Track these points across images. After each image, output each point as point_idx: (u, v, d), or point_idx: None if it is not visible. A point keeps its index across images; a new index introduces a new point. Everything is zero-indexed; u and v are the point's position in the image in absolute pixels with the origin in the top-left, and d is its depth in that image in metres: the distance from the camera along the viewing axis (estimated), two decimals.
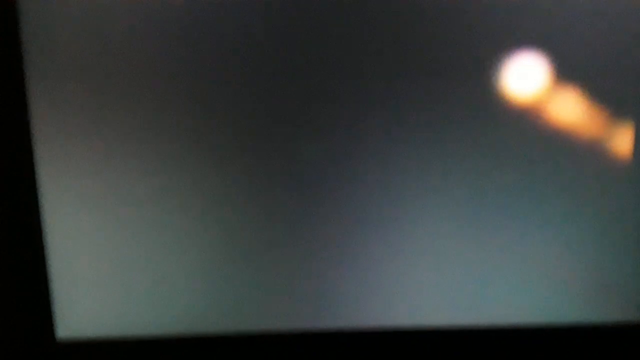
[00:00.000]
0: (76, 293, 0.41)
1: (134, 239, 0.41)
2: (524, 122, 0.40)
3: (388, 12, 0.38)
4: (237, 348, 0.43)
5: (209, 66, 0.39)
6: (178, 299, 0.42)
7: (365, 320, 0.43)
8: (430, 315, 0.43)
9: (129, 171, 0.40)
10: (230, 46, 0.38)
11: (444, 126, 0.40)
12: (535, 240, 0.42)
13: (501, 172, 0.41)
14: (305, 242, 0.41)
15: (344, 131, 0.40)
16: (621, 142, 0.41)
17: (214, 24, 0.38)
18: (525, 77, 0.39)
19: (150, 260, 0.41)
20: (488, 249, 0.42)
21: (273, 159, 0.40)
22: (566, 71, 0.40)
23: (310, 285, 0.42)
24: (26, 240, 0.40)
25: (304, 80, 0.39)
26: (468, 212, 0.41)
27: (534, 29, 0.39)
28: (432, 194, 0.41)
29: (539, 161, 0.41)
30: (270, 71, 0.39)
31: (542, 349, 0.43)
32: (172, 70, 0.39)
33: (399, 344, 0.43)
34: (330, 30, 0.38)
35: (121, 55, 0.38)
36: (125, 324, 0.42)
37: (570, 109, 0.40)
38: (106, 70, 0.38)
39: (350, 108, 0.40)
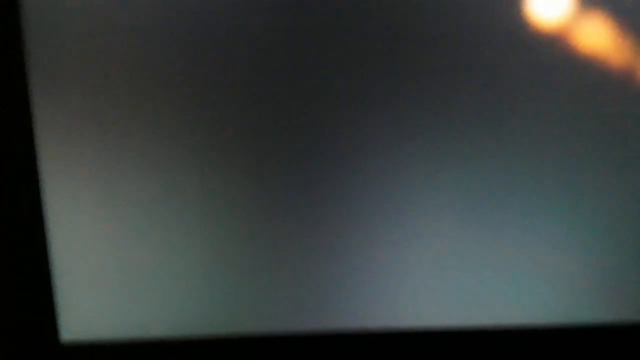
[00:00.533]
0: (80, 295, 0.41)
1: (138, 241, 0.41)
2: (529, 122, 0.40)
3: (392, 11, 0.38)
4: (243, 350, 0.43)
5: (214, 67, 0.39)
6: (182, 301, 0.42)
7: (368, 322, 0.43)
8: (434, 316, 0.43)
9: (133, 173, 0.40)
10: (235, 49, 0.38)
11: (446, 127, 0.40)
12: (539, 240, 0.42)
13: (504, 172, 0.41)
14: (308, 245, 0.41)
15: (348, 133, 0.40)
16: (625, 139, 0.40)
17: (220, 26, 0.38)
18: (528, 75, 0.39)
19: (154, 262, 0.41)
20: (491, 250, 0.42)
21: (276, 162, 0.40)
22: (569, 71, 0.39)
23: (313, 287, 0.42)
24: (30, 242, 0.40)
25: (307, 80, 0.39)
26: (471, 212, 0.41)
27: (538, 28, 0.39)
28: (436, 195, 0.41)
29: (542, 160, 0.41)
30: (275, 72, 0.39)
31: (547, 350, 0.43)
32: (177, 71, 0.39)
33: (404, 346, 0.43)
34: (334, 31, 0.38)
35: (125, 56, 0.38)
36: (129, 327, 0.42)
37: (573, 110, 0.40)
38: (109, 70, 0.38)
39: (353, 109, 0.40)
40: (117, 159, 0.40)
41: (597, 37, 0.39)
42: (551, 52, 0.39)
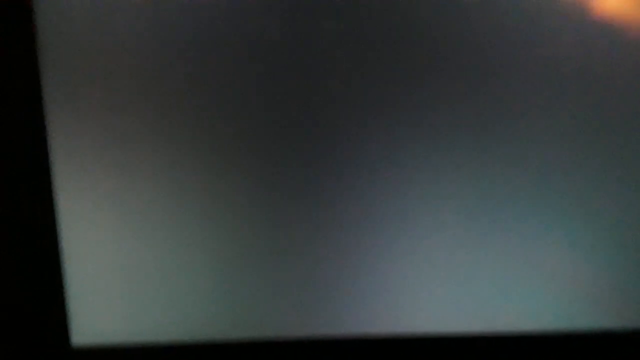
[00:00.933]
0: (91, 300, 0.42)
1: (149, 246, 0.41)
2: (532, 126, 0.40)
3: (395, 16, 0.38)
4: (253, 354, 0.43)
5: (224, 71, 0.39)
6: (192, 306, 0.42)
7: (370, 328, 0.43)
8: (435, 322, 0.43)
9: (145, 180, 0.40)
10: (240, 51, 0.39)
11: (448, 136, 0.40)
12: (541, 246, 0.42)
13: (507, 178, 0.41)
14: (312, 251, 0.42)
15: (351, 139, 0.40)
16: (629, 143, 0.41)
17: (232, 32, 0.38)
18: (531, 78, 0.40)
19: (165, 267, 0.41)
20: (492, 257, 0.42)
21: (282, 170, 0.40)
22: (570, 74, 0.40)
23: (317, 292, 0.42)
24: (41, 246, 0.41)
25: (310, 87, 0.39)
26: (473, 219, 0.41)
27: (543, 33, 0.39)
28: (438, 199, 0.41)
29: (545, 166, 0.41)
30: (279, 79, 0.39)
31: (549, 356, 0.43)
32: (188, 76, 0.39)
33: (406, 351, 0.43)
34: (338, 34, 0.38)
35: (137, 58, 0.38)
36: (140, 331, 0.42)
37: (575, 112, 0.40)
38: (122, 73, 0.39)
39: (356, 117, 0.40)
40: (130, 164, 0.40)
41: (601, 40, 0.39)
42: (555, 58, 0.39)
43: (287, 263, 0.42)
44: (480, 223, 0.41)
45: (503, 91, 0.39)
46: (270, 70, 0.39)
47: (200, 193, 0.40)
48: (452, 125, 0.40)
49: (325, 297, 0.42)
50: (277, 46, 0.38)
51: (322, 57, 0.39)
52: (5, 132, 0.39)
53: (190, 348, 0.42)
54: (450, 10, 0.38)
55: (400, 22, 0.38)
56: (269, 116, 0.40)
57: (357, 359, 0.43)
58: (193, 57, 0.38)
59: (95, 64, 0.38)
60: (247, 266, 0.42)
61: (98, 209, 0.40)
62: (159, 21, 0.38)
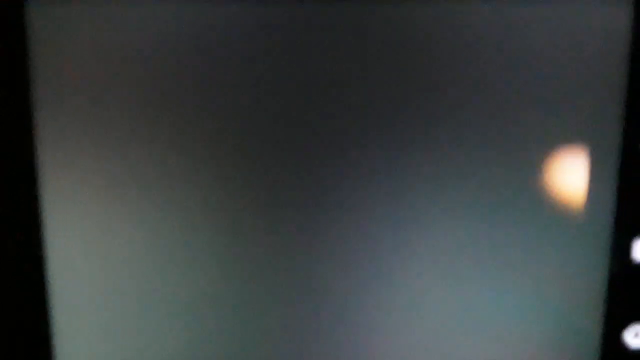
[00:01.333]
0: (78, 335, 0.41)
1: (138, 277, 0.40)
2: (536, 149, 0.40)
3: (394, 35, 0.39)
4: None
5: (217, 78, 0.38)
6: (181, 339, 0.42)
7: None
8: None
9: (136, 202, 0.39)
10: (237, 58, 0.38)
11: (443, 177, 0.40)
12: (492, 288, 0.42)
13: (462, 225, 0.41)
14: (307, 286, 0.42)
15: (351, 151, 0.40)
16: (582, 198, 0.42)
17: (228, 43, 0.38)
18: (528, 99, 0.40)
19: (155, 299, 0.41)
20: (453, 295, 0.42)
21: (283, 205, 0.40)
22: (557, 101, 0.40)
23: (314, 328, 0.42)
24: (27, 276, 0.40)
25: (310, 89, 0.39)
26: (473, 253, 0.42)
27: (546, 66, 0.39)
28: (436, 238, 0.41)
29: (500, 216, 0.41)
30: (280, 85, 0.39)
31: None
32: (181, 80, 0.38)
33: None
34: (338, 48, 0.39)
35: (128, 64, 0.38)
36: None
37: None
38: (113, 78, 0.38)
39: (356, 130, 0.40)
40: (122, 187, 0.39)
41: None
42: (554, 80, 0.40)
43: (284, 303, 0.42)
44: (480, 254, 0.42)
45: (505, 101, 0.40)
46: (269, 79, 0.39)
47: (196, 219, 0.40)
48: (448, 167, 0.40)
49: (322, 333, 0.42)
50: (277, 54, 0.38)
51: (323, 63, 0.39)
52: None
53: None
54: (449, 21, 0.39)
55: (400, 33, 0.39)
56: (270, 128, 0.39)
57: None
58: (189, 63, 0.38)
59: (86, 68, 0.38)
60: (244, 302, 0.41)
61: (85, 240, 0.40)
62: (157, 30, 0.38)
